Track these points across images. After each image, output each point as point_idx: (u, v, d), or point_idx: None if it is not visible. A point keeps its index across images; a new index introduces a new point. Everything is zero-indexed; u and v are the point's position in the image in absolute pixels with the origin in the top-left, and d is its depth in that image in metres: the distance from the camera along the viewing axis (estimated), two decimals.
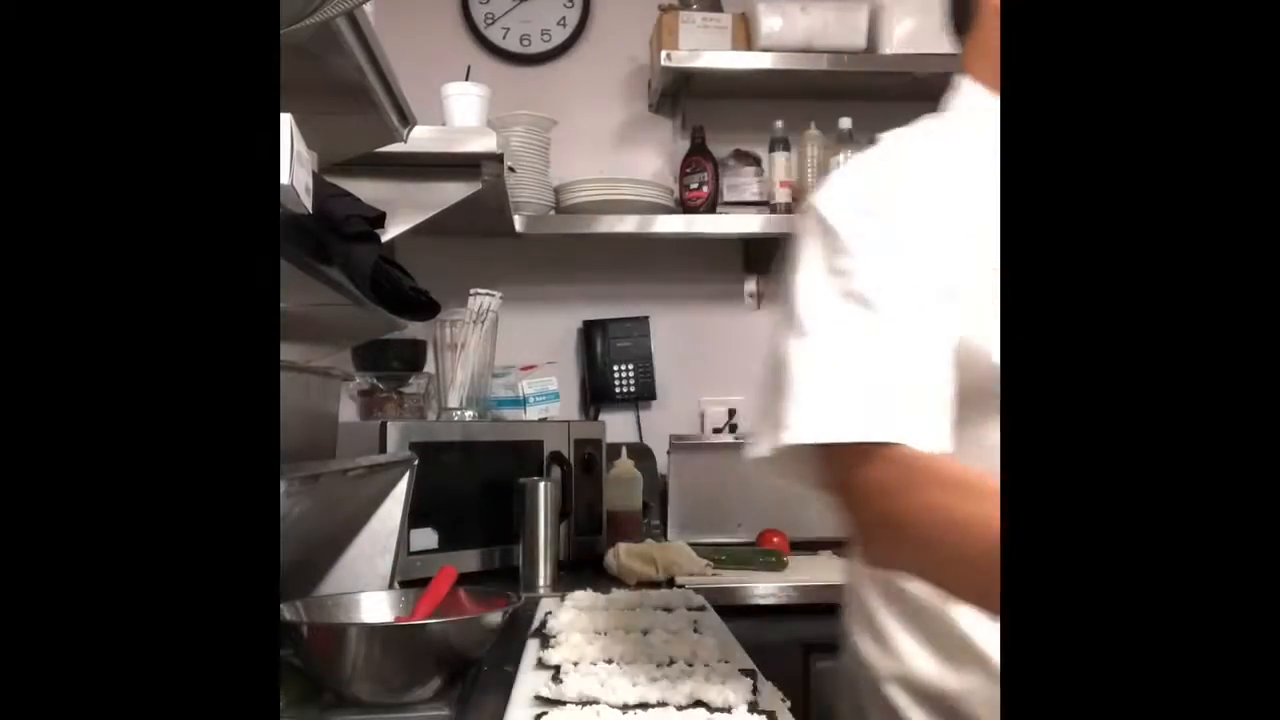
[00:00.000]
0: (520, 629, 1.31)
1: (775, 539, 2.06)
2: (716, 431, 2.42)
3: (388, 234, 1.44)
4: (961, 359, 0.84)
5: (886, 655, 0.97)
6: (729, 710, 0.93)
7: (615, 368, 2.42)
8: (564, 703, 0.96)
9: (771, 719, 0.92)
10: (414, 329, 1.83)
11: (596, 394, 2.44)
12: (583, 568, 1.93)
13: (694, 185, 2.34)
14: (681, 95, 2.43)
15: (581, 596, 1.47)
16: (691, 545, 1.92)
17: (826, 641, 1.76)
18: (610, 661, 1.08)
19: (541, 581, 1.79)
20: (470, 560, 1.80)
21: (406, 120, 1.17)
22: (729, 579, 1.81)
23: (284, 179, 0.79)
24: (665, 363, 2.46)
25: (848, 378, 0.81)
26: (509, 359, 2.22)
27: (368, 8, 0.92)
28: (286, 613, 1.08)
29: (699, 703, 0.95)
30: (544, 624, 1.29)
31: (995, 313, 0.60)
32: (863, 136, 2.31)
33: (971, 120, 0.97)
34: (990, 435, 0.61)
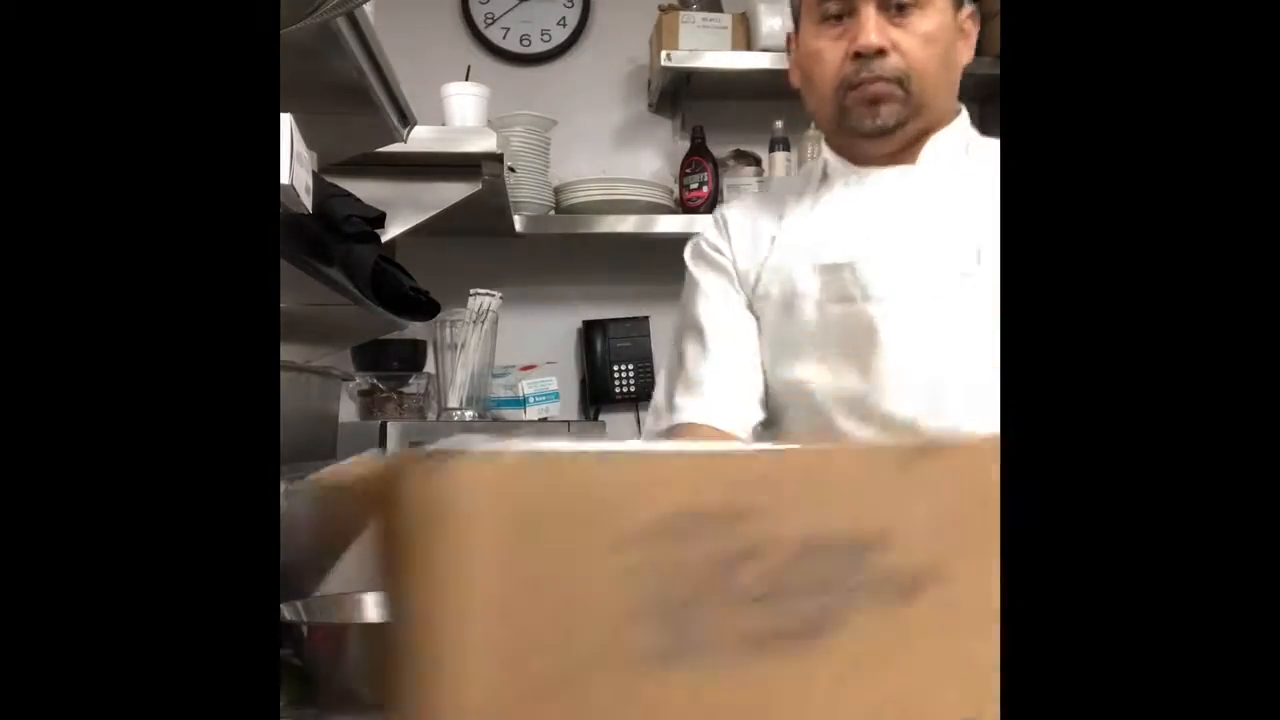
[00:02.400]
0: None
1: None
2: None
3: (388, 234, 1.44)
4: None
5: None
6: None
7: (615, 368, 2.42)
8: None
9: None
10: (414, 329, 1.83)
11: (596, 394, 2.44)
12: None
13: (694, 185, 2.34)
14: (681, 95, 2.43)
15: None
16: None
17: None
18: None
19: None
20: None
21: (406, 120, 1.17)
22: None
23: (284, 179, 0.79)
24: None
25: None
26: (509, 359, 2.21)
27: (368, 8, 0.92)
28: (286, 613, 1.08)
29: None
30: None
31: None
32: None
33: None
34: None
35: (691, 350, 1.18)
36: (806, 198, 1.20)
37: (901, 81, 1.09)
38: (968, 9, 1.16)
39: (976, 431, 0.50)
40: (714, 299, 1.19)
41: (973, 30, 1.16)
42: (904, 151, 1.15)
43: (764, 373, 1.16)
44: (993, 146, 1.15)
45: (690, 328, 1.20)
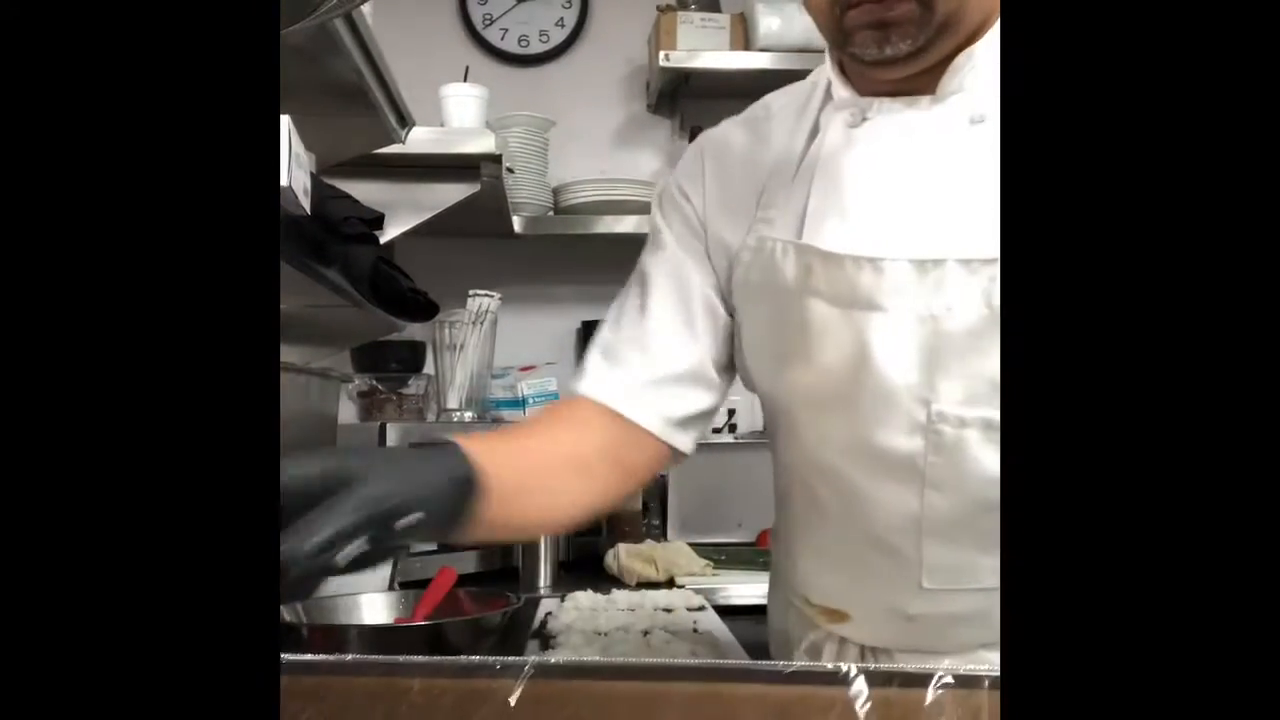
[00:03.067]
0: (520, 630, 1.31)
1: None
2: (716, 431, 2.41)
3: (386, 235, 1.44)
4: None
5: None
6: None
7: None
8: None
9: None
10: (413, 330, 1.83)
11: None
12: (583, 568, 1.93)
13: None
14: (679, 95, 2.43)
15: (581, 597, 1.47)
16: (691, 545, 1.92)
17: None
18: None
19: (541, 582, 1.79)
20: (470, 561, 1.80)
21: (405, 121, 1.17)
22: (729, 579, 1.81)
23: (283, 180, 0.79)
24: None
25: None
26: (508, 360, 2.21)
27: (366, 9, 0.92)
28: (286, 614, 1.08)
29: None
30: (544, 625, 1.29)
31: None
32: None
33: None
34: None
35: (629, 306, 1.00)
36: (798, 144, 0.94)
37: None
38: None
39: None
40: (668, 255, 0.99)
41: None
42: (926, 74, 0.86)
43: (740, 367, 0.97)
44: None
45: (634, 281, 1.01)
